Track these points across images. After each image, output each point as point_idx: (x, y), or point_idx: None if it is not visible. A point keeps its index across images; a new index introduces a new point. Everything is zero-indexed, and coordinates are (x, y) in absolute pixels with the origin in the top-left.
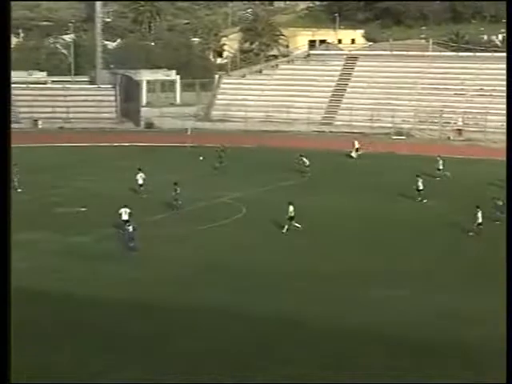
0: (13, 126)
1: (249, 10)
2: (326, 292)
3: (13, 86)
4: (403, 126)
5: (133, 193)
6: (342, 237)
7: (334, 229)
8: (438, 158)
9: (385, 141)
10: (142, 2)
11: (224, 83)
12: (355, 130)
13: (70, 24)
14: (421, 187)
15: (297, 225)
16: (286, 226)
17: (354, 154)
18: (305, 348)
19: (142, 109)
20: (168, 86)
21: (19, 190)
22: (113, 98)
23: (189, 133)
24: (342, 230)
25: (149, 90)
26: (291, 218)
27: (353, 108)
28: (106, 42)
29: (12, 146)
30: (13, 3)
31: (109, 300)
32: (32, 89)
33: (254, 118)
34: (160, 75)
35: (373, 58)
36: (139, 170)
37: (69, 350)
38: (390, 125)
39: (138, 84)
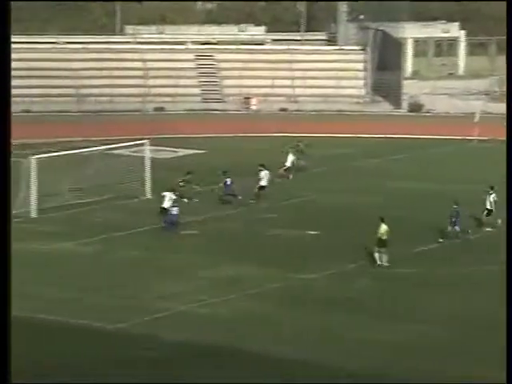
0: (214, 106)
1: None
2: None
3: (215, 47)
4: None
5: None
6: None
7: None
8: None
9: None
10: None
11: None
12: None
13: None
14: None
15: (383, 261)
16: (377, 255)
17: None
18: None
19: (405, 82)
20: (446, 47)
21: (195, 200)
22: (361, 66)
23: (476, 119)
24: None
25: (416, 54)
26: (381, 243)
27: None
28: None
29: (206, 135)
30: None
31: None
32: (243, 51)
33: None
34: (434, 31)
35: None
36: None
37: None
38: None
39: (399, 44)
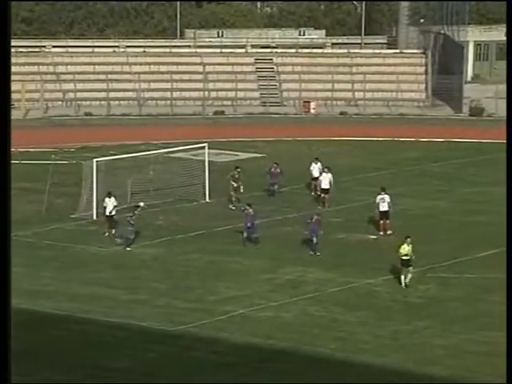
0: (273, 110)
1: None
2: None
3: (275, 51)
4: None
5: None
6: None
7: None
8: None
9: None
10: None
11: None
12: None
13: None
14: None
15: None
16: (403, 278)
17: None
18: None
19: (466, 86)
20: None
21: (232, 208)
22: (422, 70)
23: None
24: None
25: (477, 58)
26: (406, 263)
27: None
28: None
29: (266, 139)
30: None
31: None
32: (303, 55)
33: None
34: (497, 34)
35: None
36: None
37: None
38: None
39: (460, 48)
